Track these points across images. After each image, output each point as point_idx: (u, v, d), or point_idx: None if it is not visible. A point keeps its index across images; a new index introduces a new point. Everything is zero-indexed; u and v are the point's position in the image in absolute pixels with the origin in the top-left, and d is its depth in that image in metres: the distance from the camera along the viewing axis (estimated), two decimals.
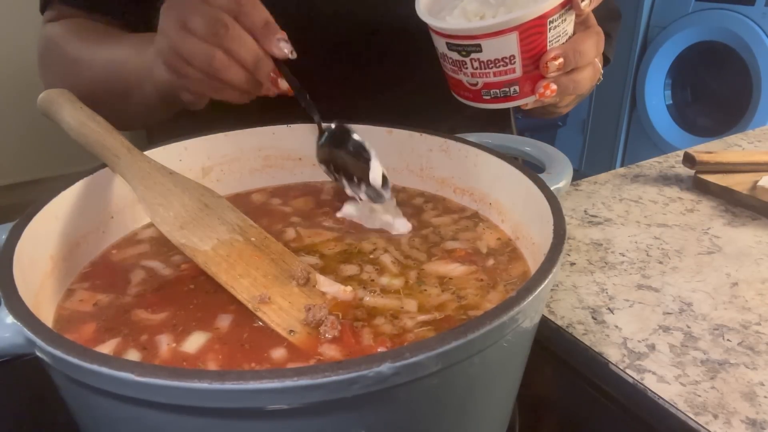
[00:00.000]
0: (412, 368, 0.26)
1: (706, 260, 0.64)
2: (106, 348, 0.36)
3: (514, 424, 0.44)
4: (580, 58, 0.53)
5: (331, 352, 0.36)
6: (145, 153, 0.48)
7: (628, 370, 0.49)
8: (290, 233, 0.50)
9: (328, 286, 0.41)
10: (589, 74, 0.55)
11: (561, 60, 0.51)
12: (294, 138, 0.56)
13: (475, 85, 0.54)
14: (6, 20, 2.44)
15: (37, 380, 0.34)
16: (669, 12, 2.35)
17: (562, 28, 0.52)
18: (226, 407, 0.26)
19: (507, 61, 0.51)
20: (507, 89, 0.53)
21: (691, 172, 0.83)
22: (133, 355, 0.36)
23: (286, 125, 0.56)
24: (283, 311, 0.38)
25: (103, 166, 0.47)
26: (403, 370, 0.26)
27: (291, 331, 0.37)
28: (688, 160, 0.81)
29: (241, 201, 0.55)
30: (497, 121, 0.84)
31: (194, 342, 0.36)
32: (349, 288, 0.41)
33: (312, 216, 0.53)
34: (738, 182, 0.77)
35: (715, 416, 0.45)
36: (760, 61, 2.11)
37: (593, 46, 0.54)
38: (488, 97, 0.54)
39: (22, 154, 2.65)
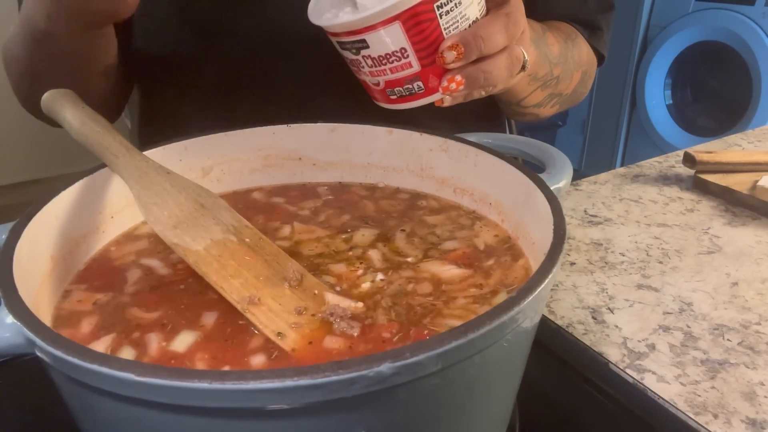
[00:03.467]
0: (412, 368, 0.26)
1: (706, 260, 0.64)
2: (101, 345, 0.37)
3: (514, 424, 0.44)
4: (485, 45, 0.46)
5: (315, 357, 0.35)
6: (145, 153, 0.48)
7: (628, 370, 0.49)
8: (286, 230, 0.50)
9: (339, 302, 0.41)
10: (504, 62, 0.48)
11: (460, 48, 0.45)
12: (294, 138, 0.56)
13: (378, 84, 0.50)
14: (6, 21, 2.44)
15: (37, 380, 0.34)
16: (669, 12, 2.35)
17: (459, 12, 0.46)
18: (226, 407, 0.26)
19: (399, 55, 0.46)
20: (410, 86, 0.48)
21: (691, 172, 0.83)
22: (127, 353, 0.36)
23: (286, 125, 0.56)
24: (272, 313, 0.38)
25: (103, 166, 0.47)
26: (403, 370, 0.26)
27: (279, 333, 0.37)
28: (688, 160, 0.82)
29: (240, 198, 0.55)
30: (489, 121, 0.83)
31: (182, 341, 0.37)
32: (360, 304, 0.40)
33: (309, 215, 0.53)
34: (738, 182, 0.77)
35: (715, 416, 0.45)
36: (760, 61, 2.11)
37: (501, 29, 0.47)
38: (394, 97, 0.50)
39: (22, 154, 2.66)
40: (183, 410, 0.27)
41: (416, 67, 0.47)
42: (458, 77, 0.47)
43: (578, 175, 0.79)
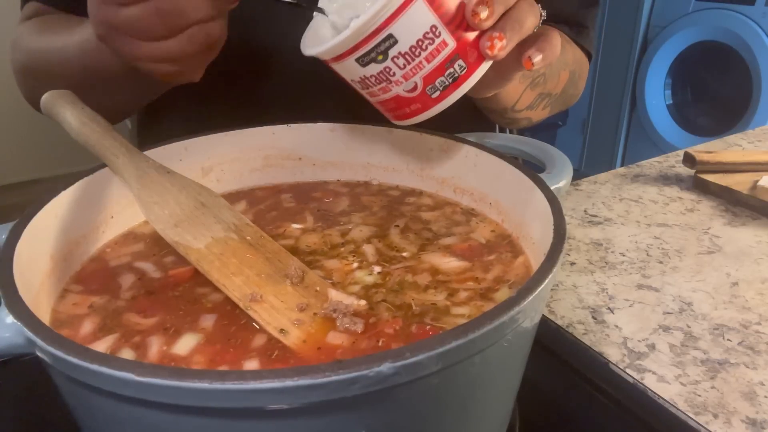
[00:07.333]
0: (412, 368, 0.26)
1: (706, 260, 0.64)
2: (101, 346, 0.37)
3: (514, 424, 0.44)
4: None
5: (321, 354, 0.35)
6: (145, 153, 0.48)
7: (628, 370, 0.49)
8: (281, 228, 0.50)
9: (342, 298, 0.40)
10: (527, 7, 0.45)
11: (488, 2, 0.42)
12: (294, 138, 0.56)
13: (415, 88, 0.44)
14: (6, 21, 2.44)
15: (37, 380, 0.34)
16: (669, 12, 2.35)
17: None
18: (226, 407, 0.26)
19: (432, 35, 0.42)
20: (452, 70, 0.44)
21: (691, 171, 0.83)
22: (127, 354, 0.36)
23: (286, 125, 0.56)
24: (274, 310, 0.38)
25: (103, 166, 0.47)
26: (404, 370, 0.26)
27: (282, 330, 0.37)
28: (688, 159, 0.82)
29: (239, 197, 0.55)
30: (488, 123, 0.82)
31: (184, 345, 0.36)
32: (363, 302, 0.40)
33: (305, 214, 0.53)
34: (738, 182, 0.77)
35: (715, 416, 0.45)
36: (760, 61, 2.11)
37: None
38: (437, 94, 0.44)
39: (22, 154, 2.66)
40: (183, 410, 0.27)
41: (452, 43, 0.43)
42: (496, 33, 0.44)
43: (578, 175, 0.79)
